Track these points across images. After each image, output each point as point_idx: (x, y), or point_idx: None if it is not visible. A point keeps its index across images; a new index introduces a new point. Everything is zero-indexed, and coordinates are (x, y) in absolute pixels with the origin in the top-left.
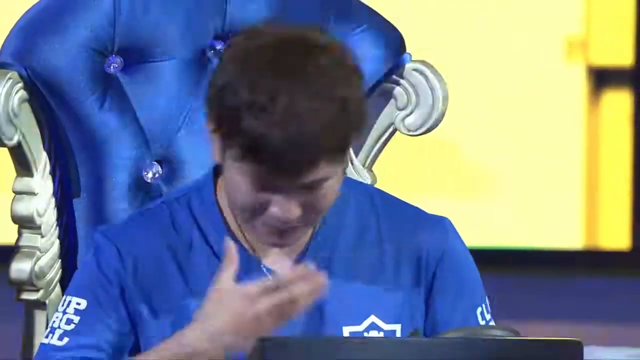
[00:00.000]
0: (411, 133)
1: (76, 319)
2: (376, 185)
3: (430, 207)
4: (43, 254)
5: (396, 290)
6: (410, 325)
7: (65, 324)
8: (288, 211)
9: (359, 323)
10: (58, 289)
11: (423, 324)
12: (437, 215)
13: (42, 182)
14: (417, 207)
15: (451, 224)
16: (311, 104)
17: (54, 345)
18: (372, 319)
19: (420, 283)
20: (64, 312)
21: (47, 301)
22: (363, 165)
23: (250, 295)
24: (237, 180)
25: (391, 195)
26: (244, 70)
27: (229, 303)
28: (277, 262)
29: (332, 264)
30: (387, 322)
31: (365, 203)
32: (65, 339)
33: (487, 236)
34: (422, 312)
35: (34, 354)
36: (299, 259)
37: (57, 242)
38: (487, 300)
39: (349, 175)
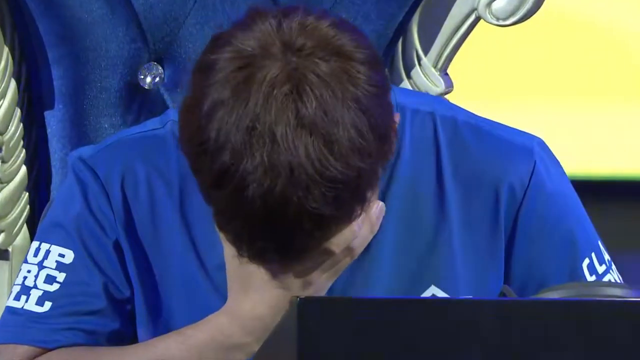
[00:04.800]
0: (500, 22)
1: (60, 276)
2: (452, 95)
3: (520, 121)
4: (4, 184)
5: (464, 248)
6: (483, 295)
7: (45, 282)
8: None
9: (415, 296)
10: (25, 231)
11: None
12: (523, 136)
13: (1, 88)
14: (497, 126)
15: (543, 147)
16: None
17: (31, 312)
18: (433, 290)
19: (497, 231)
20: (41, 266)
21: (10, 248)
22: (435, 67)
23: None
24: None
25: (462, 111)
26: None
27: (260, 280)
28: None
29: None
30: (452, 293)
31: (424, 126)
32: (48, 304)
33: (603, 161)
34: (501, 272)
35: None
36: None
37: (24, 168)
38: (601, 247)
39: (415, 80)
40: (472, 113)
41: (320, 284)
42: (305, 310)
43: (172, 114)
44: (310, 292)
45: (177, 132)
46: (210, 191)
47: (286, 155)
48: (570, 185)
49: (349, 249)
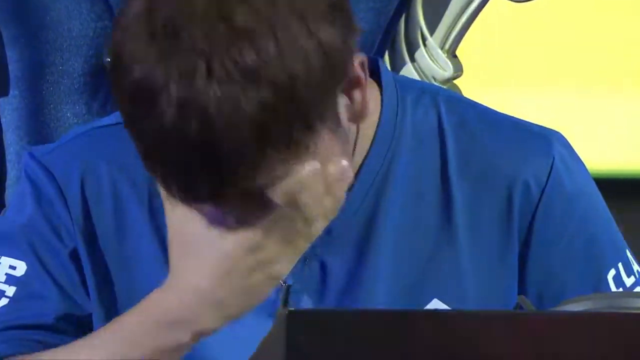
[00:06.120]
0: None
1: (10, 290)
2: (461, 80)
3: (538, 111)
4: None
5: (471, 256)
6: (496, 307)
7: None
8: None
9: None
10: None
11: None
12: (540, 129)
13: None
14: (510, 117)
15: (563, 143)
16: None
17: None
18: (435, 305)
19: (510, 236)
20: None
21: None
22: (442, 48)
23: (229, 227)
24: None
25: (470, 102)
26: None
27: (200, 246)
28: None
29: (375, 227)
30: (457, 306)
31: (426, 119)
32: None
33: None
34: (513, 283)
35: None
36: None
37: None
38: (629, 257)
39: (419, 62)
40: (481, 104)
41: (271, 250)
42: (294, 323)
43: None
44: (260, 257)
45: None
46: (129, 121)
47: (201, 56)
48: (595, 186)
49: (294, 204)
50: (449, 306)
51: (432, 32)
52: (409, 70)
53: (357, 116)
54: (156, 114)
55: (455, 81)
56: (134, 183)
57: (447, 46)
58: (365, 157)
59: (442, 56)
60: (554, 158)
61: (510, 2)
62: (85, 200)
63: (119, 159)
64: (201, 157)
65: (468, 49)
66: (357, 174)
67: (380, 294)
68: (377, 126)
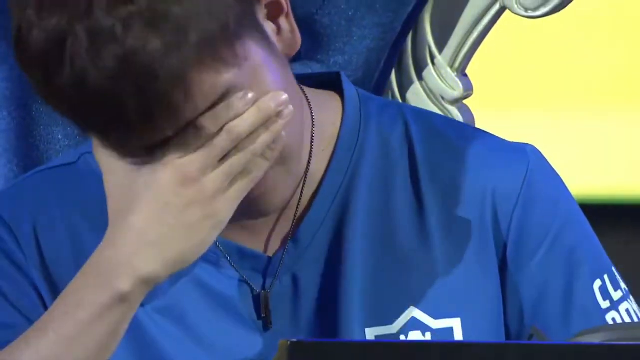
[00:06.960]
0: (529, 13)
1: None
2: (471, 100)
3: (550, 133)
4: None
5: (447, 263)
6: (474, 317)
7: None
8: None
9: (391, 321)
10: None
11: (502, 313)
12: (514, 143)
13: None
14: (486, 134)
15: (536, 154)
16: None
17: None
18: (412, 312)
19: (486, 245)
20: None
21: None
22: (451, 67)
23: (169, 161)
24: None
25: (437, 114)
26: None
27: (136, 190)
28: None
29: (344, 236)
30: (436, 315)
31: (393, 126)
32: None
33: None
34: (496, 293)
35: None
36: (289, 240)
37: None
38: (615, 273)
39: (427, 82)
40: (447, 116)
41: (209, 187)
42: (297, 354)
43: (88, 147)
44: (196, 192)
45: (92, 162)
46: (43, 87)
47: None
48: (572, 200)
49: (228, 132)
50: (425, 313)
51: (441, 50)
52: (416, 90)
53: (289, 46)
54: (70, 62)
55: (465, 101)
56: (90, 219)
57: (456, 64)
58: (329, 163)
59: (452, 75)
60: (527, 168)
61: (523, 18)
62: (38, 240)
63: (72, 195)
64: (122, 89)
65: (479, 67)
66: (321, 181)
67: (355, 304)
68: (339, 132)
